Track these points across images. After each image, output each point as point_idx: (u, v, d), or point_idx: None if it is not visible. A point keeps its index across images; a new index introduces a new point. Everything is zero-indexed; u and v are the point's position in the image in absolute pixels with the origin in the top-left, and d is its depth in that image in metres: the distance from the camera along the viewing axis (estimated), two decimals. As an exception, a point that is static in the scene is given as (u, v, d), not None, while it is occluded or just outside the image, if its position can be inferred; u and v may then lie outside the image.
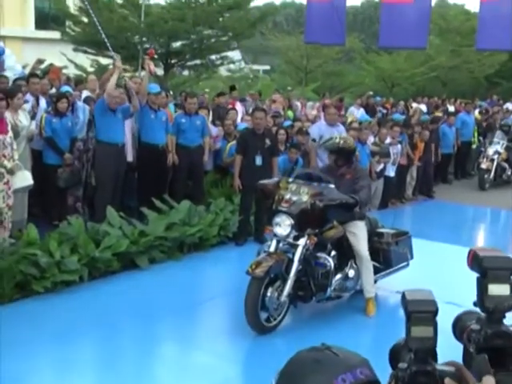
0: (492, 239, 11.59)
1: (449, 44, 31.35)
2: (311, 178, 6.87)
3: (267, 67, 40.20)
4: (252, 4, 20.21)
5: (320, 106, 16.52)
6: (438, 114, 16.61)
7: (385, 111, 19.04)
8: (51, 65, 13.27)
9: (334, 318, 7.05)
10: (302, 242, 6.51)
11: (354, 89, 30.25)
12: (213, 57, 20.30)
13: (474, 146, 17.58)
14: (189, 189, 10.63)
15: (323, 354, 1.75)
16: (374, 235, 7.56)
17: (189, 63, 20.08)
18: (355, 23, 50.58)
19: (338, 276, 6.91)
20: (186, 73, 23.18)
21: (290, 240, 6.57)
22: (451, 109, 19.80)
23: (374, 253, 7.37)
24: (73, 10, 20.67)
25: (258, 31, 24.61)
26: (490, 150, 16.16)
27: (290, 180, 6.90)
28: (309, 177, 6.92)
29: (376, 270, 7.35)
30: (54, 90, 10.78)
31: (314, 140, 11.28)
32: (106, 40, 9.80)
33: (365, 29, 46.17)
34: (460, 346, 2.39)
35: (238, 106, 14.02)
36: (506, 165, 16.41)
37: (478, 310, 2.34)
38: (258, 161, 9.67)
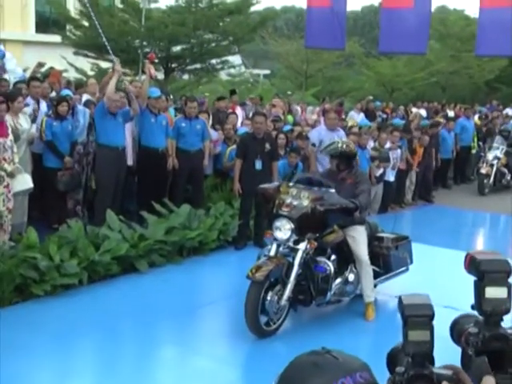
0: (491, 244, 11.57)
1: (449, 49, 31.37)
2: (311, 183, 6.89)
3: (267, 72, 40.19)
4: (252, 8, 20.23)
5: (320, 111, 16.53)
6: (439, 119, 16.60)
7: (385, 116, 19.04)
8: (51, 68, 13.26)
9: (333, 322, 7.06)
10: (302, 246, 6.52)
11: (353, 93, 30.24)
12: (213, 61, 20.29)
13: (473, 151, 17.60)
14: (189, 193, 10.64)
15: (323, 357, 1.76)
16: (373, 240, 7.57)
17: (189, 67, 20.09)
18: (355, 28, 50.63)
19: (338, 280, 6.92)
20: (186, 77, 23.19)
21: (291, 244, 6.58)
22: (451, 114, 19.81)
23: (374, 257, 7.38)
24: (73, 13, 20.68)
25: (258, 36, 24.62)
26: (490, 155, 16.18)
27: (291, 184, 6.91)
28: (309, 181, 6.94)
29: (376, 275, 7.36)
30: (54, 94, 10.79)
31: (313, 145, 11.30)
32: (106, 43, 9.81)
33: (365, 34, 46.18)
34: (458, 350, 2.40)
35: (238, 111, 14.03)
36: (505, 170, 16.43)
37: (475, 313, 2.35)
38: (258, 165, 9.68)
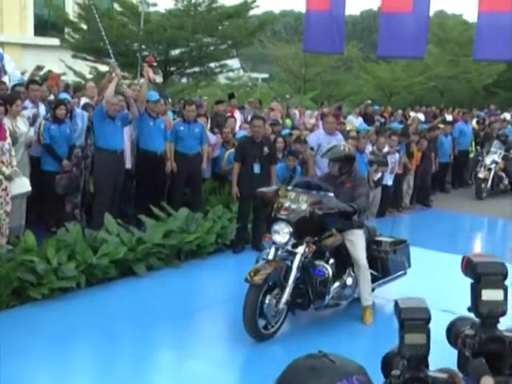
0: (489, 248, 11.58)
1: (447, 54, 31.40)
2: (310, 187, 6.90)
3: (266, 75, 40.21)
4: (251, 12, 20.21)
5: (318, 115, 16.53)
6: (440, 125, 16.59)
7: (383, 120, 19.06)
8: (50, 71, 13.27)
9: (331, 325, 7.06)
10: (300, 249, 6.52)
11: (352, 97, 30.28)
12: (212, 65, 20.29)
13: (471, 156, 17.62)
14: (187, 196, 10.64)
15: (320, 361, 1.77)
16: (372, 243, 7.58)
17: (188, 71, 20.07)
18: (354, 32, 50.65)
19: (336, 284, 6.93)
20: (184, 80, 23.18)
21: (289, 248, 6.58)
22: (449, 118, 19.84)
23: (372, 261, 7.39)
24: (72, 16, 20.68)
25: (256, 39, 24.63)
26: (488, 160, 16.22)
27: (289, 188, 6.91)
28: (308, 185, 6.95)
29: (374, 279, 7.37)
30: (52, 97, 10.79)
31: (312, 148, 11.30)
32: (109, 47, 9.83)
33: (363, 38, 46.25)
34: (454, 353, 2.40)
35: (237, 114, 14.02)
36: (503, 174, 16.46)
37: (472, 315, 2.35)
38: (256, 169, 9.68)
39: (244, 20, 19.57)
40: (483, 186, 15.96)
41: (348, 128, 14.11)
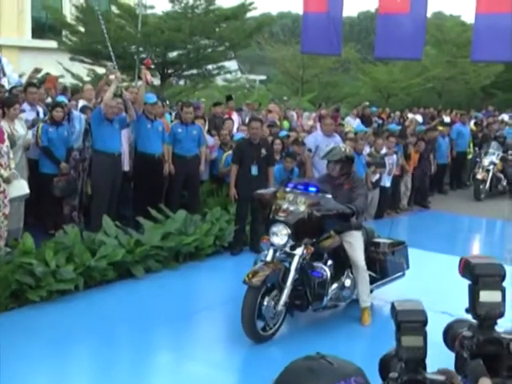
0: (487, 249, 11.58)
1: (445, 55, 31.42)
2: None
3: (264, 77, 40.21)
4: (248, 14, 20.27)
5: (316, 117, 16.54)
6: (440, 127, 16.58)
7: (380, 121, 19.06)
8: (48, 74, 13.28)
9: (329, 327, 7.06)
10: (298, 251, 6.52)
11: (349, 99, 30.29)
12: (209, 67, 20.32)
13: (469, 157, 17.63)
14: (185, 198, 10.64)
15: (318, 363, 1.77)
16: (370, 245, 7.57)
17: (185, 73, 20.12)
18: (352, 34, 50.71)
19: (335, 285, 6.93)
20: (182, 82, 23.20)
21: (287, 249, 6.59)
22: (447, 119, 19.85)
23: (371, 262, 7.39)
24: (69, 19, 20.71)
25: (254, 41, 24.66)
26: (486, 161, 16.22)
27: (287, 190, 6.91)
28: (306, 187, 6.94)
29: (372, 280, 7.36)
30: (49, 100, 10.79)
31: (309, 150, 11.30)
32: (110, 49, 9.85)
33: (361, 39, 46.26)
34: (451, 355, 2.40)
35: (235, 116, 14.03)
36: (501, 175, 16.46)
37: (469, 318, 2.35)
38: (254, 171, 9.68)
39: (241, 22, 19.61)
40: (481, 187, 15.96)
41: (346, 130, 14.12)
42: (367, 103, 19.86)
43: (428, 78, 29.54)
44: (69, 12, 22.88)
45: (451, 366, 2.31)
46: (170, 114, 13.02)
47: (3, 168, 7.84)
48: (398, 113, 21.29)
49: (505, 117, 23.91)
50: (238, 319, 6.26)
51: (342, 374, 1.75)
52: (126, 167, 10.06)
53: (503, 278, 2.31)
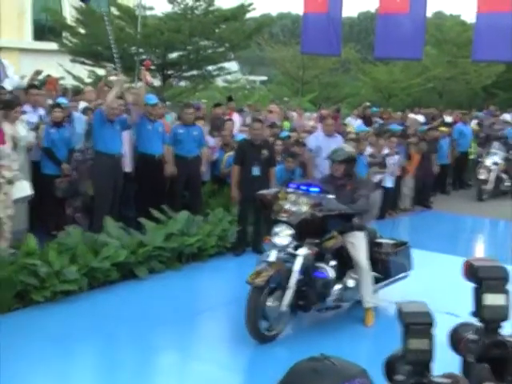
0: (490, 250, 11.58)
1: (445, 55, 31.34)
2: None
3: (264, 78, 40.21)
4: (248, 15, 20.22)
5: (317, 117, 16.53)
6: (443, 128, 16.55)
7: (381, 122, 19.03)
8: (48, 76, 13.29)
9: (333, 327, 7.06)
10: (301, 251, 6.52)
11: (350, 99, 30.26)
12: (209, 68, 20.29)
13: (471, 157, 17.61)
14: (186, 199, 10.65)
15: (322, 364, 1.78)
16: (373, 245, 7.56)
17: (185, 74, 20.07)
18: (351, 34, 50.70)
19: (338, 286, 6.93)
20: (182, 84, 23.18)
21: (290, 250, 6.59)
22: (448, 119, 19.82)
23: (374, 263, 7.37)
24: (70, 21, 20.69)
25: (254, 42, 24.63)
26: (488, 161, 16.19)
27: (289, 190, 6.92)
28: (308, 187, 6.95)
29: (376, 281, 7.36)
30: (50, 101, 10.80)
31: (311, 150, 11.31)
32: (115, 51, 9.88)
33: (361, 40, 46.24)
34: (456, 357, 2.41)
35: (236, 117, 14.04)
36: (504, 175, 16.43)
37: (474, 320, 2.36)
38: (256, 171, 9.69)
39: (241, 23, 19.56)
40: (484, 187, 15.92)
41: (348, 129, 14.10)
42: (368, 103, 19.84)
43: (428, 78, 29.47)
44: (69, 14, 22.84)
45: (455, 368, 2.31)
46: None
47: (6, 169, 7.86)
48: (399, 113, 21.24)
49: (506, 116, 23.84)
50: (242, 320, 6.27)
51: (346, 376, 1.76)
52: (128, 168, 10.07)
53: (507, 280, 2.31)
